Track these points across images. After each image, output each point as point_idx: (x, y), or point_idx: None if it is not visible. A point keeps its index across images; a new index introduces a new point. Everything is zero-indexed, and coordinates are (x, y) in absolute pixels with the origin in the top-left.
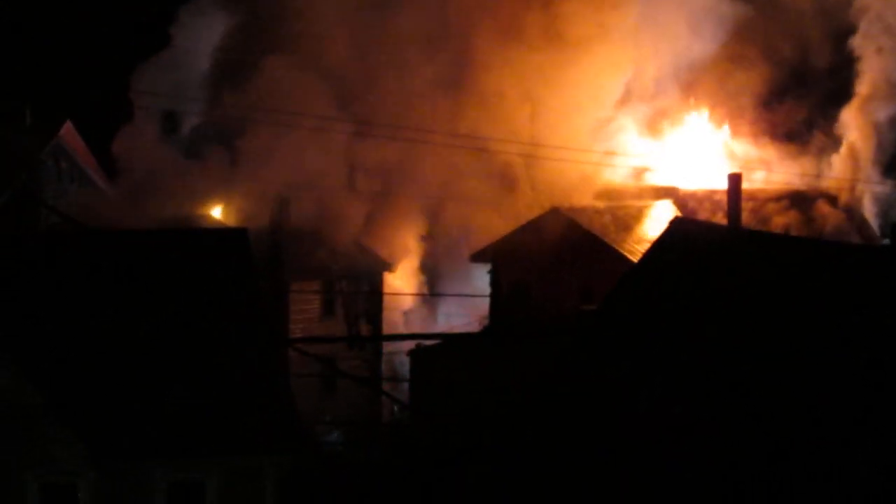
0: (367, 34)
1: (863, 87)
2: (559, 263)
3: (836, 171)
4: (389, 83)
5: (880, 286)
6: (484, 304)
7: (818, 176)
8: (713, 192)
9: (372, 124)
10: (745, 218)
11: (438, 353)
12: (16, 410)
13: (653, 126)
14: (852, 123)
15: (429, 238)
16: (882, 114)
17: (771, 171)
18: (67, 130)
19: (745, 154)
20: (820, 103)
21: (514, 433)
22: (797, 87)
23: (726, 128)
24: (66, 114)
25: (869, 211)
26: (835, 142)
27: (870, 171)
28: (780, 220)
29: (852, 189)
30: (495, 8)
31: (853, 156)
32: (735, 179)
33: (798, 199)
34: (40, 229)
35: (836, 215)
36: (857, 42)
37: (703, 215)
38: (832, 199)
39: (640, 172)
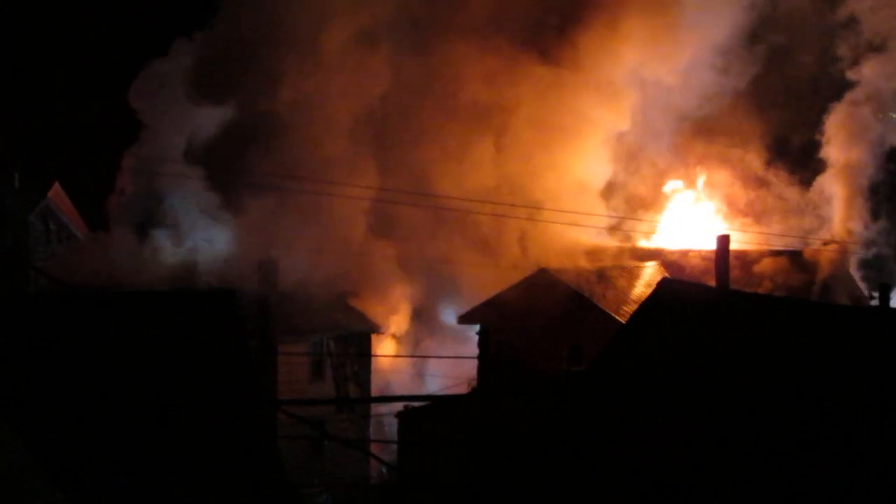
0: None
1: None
2: (548, 324)
3: (827, 221)
4: (380, 146)
5: (870, 348)
6: (472, 365)
7: (804, 237)
8: (701, 252)
9: (362, 187)
10: (735, 275)
11: (426, 415)
12: (4, 469)
13: (643, 188)
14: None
15: (418, 299)
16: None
17: (761, 228)
18: (56, 191)
19: (735, 215)
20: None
21: (501, 496)
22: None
23: (704, 181)
24: (55, 175)
25: (854, 264)
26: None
27: (860, 220)
28: (770, 275)
29: (841, 245)
30: (492, 72)
31: (844, 203)
32: (723, 240)
33: (788, 256)
34: (29, 290)
35: (827, 266)
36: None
37: (691, 276)
38: (819, 257)
39: (628, 233)
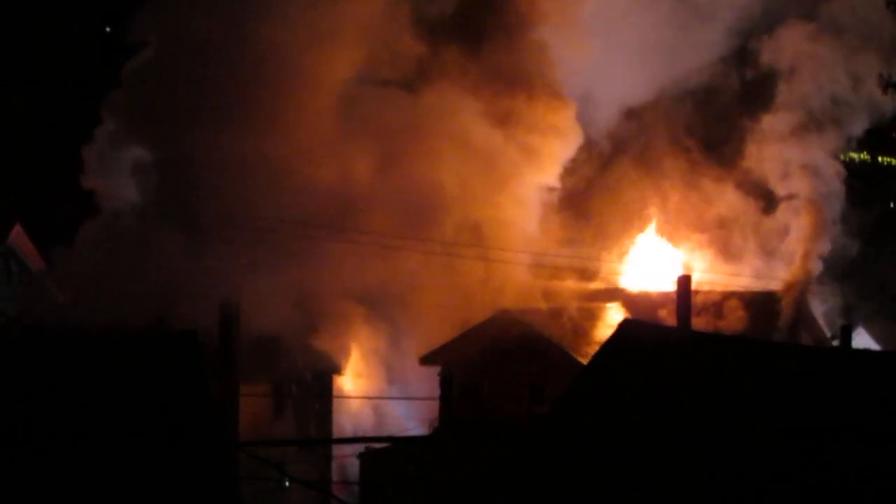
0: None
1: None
2: (510, 365)
3: (786, 264)
4: (333, 186)
5: (832, 389)
6: (434, 406)
7: (768, 278)
8: (663, 293)
9: (321, 227)
10: (698, 316)
11: (388, 456)
12: None
13: (601, 227)
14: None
15: (379, 340)
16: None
17: (720, 271)
18: (17, 233)
19: (692, 255)
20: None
21: None
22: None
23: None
24: (16, 217)
25: (817, 309)
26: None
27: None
28: (732, 318)
29: (802, 285)
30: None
31: (802, 244)
32: (684, 281)
33: (749, 298)
34: None
35: (789, 307)
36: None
37: (652, 317)
38: (780, 298)
39: (589, 275)
